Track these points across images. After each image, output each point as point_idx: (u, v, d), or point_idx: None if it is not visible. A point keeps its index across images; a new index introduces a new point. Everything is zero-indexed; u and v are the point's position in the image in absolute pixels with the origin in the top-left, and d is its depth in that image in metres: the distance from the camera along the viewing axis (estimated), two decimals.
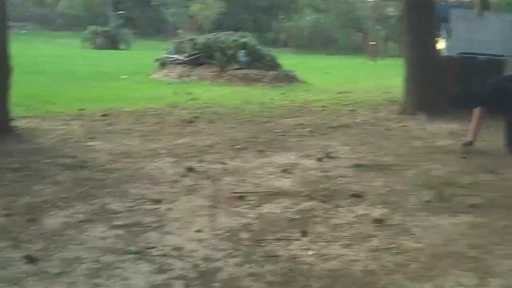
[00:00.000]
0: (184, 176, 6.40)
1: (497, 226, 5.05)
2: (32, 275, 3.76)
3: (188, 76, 17.16)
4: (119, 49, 33.88)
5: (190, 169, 6.62)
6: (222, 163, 7.03)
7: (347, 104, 12.64)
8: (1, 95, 8.36)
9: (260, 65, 18.00)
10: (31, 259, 3.98)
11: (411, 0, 11.57)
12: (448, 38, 19.82)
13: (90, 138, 8.38)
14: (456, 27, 14.59)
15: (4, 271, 3.81)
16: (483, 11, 19.42)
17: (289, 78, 17.35)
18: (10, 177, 6.14)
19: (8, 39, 8.49)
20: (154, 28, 49.46)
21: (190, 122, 9.85)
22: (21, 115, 9.54)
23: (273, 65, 18.42)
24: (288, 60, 22.71)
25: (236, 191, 5.87)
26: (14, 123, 8.72)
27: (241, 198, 5.63)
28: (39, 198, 5.43)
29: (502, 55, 11.61)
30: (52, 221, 4.83)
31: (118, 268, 3.92)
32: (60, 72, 17.39)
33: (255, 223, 4.94)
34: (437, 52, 12.61)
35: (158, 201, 5.44)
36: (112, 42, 34.43)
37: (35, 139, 8.23)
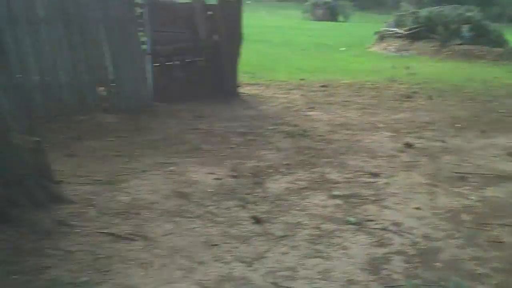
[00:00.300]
0: (402, 151, 6.33)
1: None
2: (258, 235, 3.99)
3: (407, 50, 16.71)
4: (337, 21, 34.02)
5: (409, 145, 6.53)
6: (442, 141, 6.83)
7: None
8: (232, 63, 8.86)
9: (484, 41, 16.97)
10: (257, 220, 4.22)
11: None
12: None
13: (310, 108, 8.59)
14: None
15: (233, 229, 4.09)
16: None
17: None
18: (237, 141, 6.54)
19: (242, 9, 8.91)
20: (374, 0, 48.95)
21: (408, 97, 9.63)
22: (247, 82, 10.03)
23: (500, 41, 17.28)
24: None
25: (457, 171, 5.68)
26: (241, 90, 9.22)
27: (462, 178, 5.45)
28: (263, 163, 5.71)
29: None
30: (276, 185, 5.07)
31: (338, 237, 4.02)
32: (282, 41, 17.92)
33: (477, 206, 4.76)
34: None
35: (376, 175, 5.45)
36: (331, 14, 34.64)
37: (259, 106, 8.65)
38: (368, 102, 9.15)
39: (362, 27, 24.49)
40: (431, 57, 15.66)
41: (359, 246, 3.88)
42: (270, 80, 10.78)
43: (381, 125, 7.57)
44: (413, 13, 19.16)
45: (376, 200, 4.79)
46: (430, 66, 13.81)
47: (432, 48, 16.56)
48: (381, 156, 6.10)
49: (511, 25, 35.26)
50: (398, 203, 4.73)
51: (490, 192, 5.13)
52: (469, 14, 18.11)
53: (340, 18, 35.12)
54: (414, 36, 17.66)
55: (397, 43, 17.41)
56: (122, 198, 4.59)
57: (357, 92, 9.98)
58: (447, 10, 18.63)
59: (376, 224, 4.26)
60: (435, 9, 19.13)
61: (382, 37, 18.52)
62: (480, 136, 7.17)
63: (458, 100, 9.54)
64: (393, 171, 5.60)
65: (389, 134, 7.10)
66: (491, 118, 8.23)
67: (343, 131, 7.14)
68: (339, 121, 7.70)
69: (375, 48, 17.55)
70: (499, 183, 5.38)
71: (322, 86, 10.35)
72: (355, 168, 5.64)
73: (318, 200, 4.74)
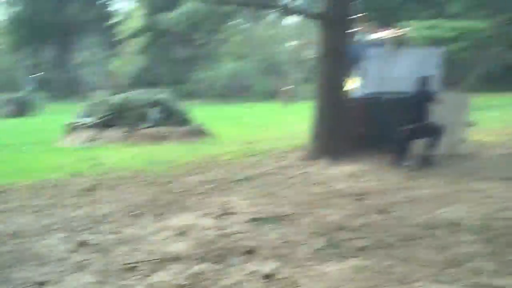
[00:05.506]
0: (74, 251, 6.23)
1: (381, 267, 5.20)
2: None
3: (97, 139, 16.80)
4: (29, 115, 32.83)
5: (82, 243, 6.46)
6: (117, 232, 6.89)
7: (254, 155, 12.68)
8: None
9: (172, 121, 17.93)
10: None
11: (327, 43, 11.77)
12: (363, 77, 20.39)
13: None
14: (371, 66, 14.95)
15: None
16: (397, 48, 20.16)
17: (200, 132, 17.35)
18: None
19: None
20: (71, 89, 48.79)
21: (90, 190, 9.58)
22: None
23: (185, 120, 18.40)
24: (203, 112, 22.85)
25: (128, 261, 5.77)
26: None
27: (132, 269, 5.54)
28: None
29: (408, 92, 11.99)
30: None
31: None
32: None
33: None
34: (347, 94, 12.79)
35: (42, 284, 5.27)
36: (22, 109, 33.38)
37: None
38: (46, 203, 8.77)
39: (55, 119, 24.12)
40: (121, 144, 15.98)
41: None
42: None
43: (56, 226, 7.33)
44: (104, 100, 19.38)
45: None
46: (118, 154, 14.04)
47: (123, 134, 16.95)
48: (50, 261, 5.91)
49: (202, 100, 38.09)
50: None
51: (157, 277, 5.29)
52: (158, 96, 18.96)
53: (33, 111, 34.16)
54: (105, 124, 17.86)
55: (87, 133, 17.41)
56: None
57: (35, 194, 9.43)
58: (137, 94, 19.28)
59: None
60: (126, 94, 19.66)
61: (73, 128, 18.30)
62: (155, 220, 7.39)
63: (139, 186, 9.79)
64: (61, 276, 5.47)
65: (63, 234, 6.90)
66: (167, 200, 8.56)
67: (13, 241, 6.69)
68: (10, 230, 7.12)
69: (64, 142, 17.27)
70: (166, 266, 5.58)
71: None
72: (20, 281, 5.38)
73: None
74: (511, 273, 4.93)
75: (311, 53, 33.50)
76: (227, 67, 42.58)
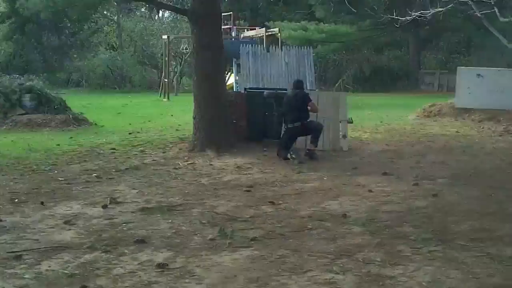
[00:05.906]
0: None
1: (274, 257, 5.32)
2: None
3: None
4: None
5: None
6: None
7: (137, 145, 12.48)
8: None
9: (47, 109, 17.18)
10: None
11: (200, 39, 11.74)
12: (238, 73, 20.71)
13: None
14: (246, 63, 15.17)
15: None
16: (271, 46, 20.67)
17: (79, 121, 16.78)
18: None
19: None
20: None
21: None
22: None
23: (61, 108, 17.67)
24: (80, 101, 22.15)
25: (13, 250, 5.52)
26: None
27: (18, 257, 5.31)
28: None
29: (285, 89, 12.29)
30: None
31: None
32: None
33: (32, 284, 4.69)
34: (226, 88, 12.97)
35: None
36: None
37: None
38: None
39: None
40: None
41: None
42: None
43: None
44: None
45: None
46: None
47: None
48: None
49: (78, 89, 36.85)
50: None
51: (45, 266, 5.10)
52: (30, 83, 18.14)
53: None
54: None
55: None
56: None
57: None
58: (7, 80, 18.35)
59: None
60: None
61: None
62: (39, 208, 7.13)
63: (18, 173, 9.34)
64: None
65: None
66: (51, 188, 8.28)
67: None
68: None
69: None
70: (55, 255, 5.40)
71: None
72: None
73: None
74: (398, 263, 5.19)
75: (186, 47, 33.42)
76: (101, 57, 41.28)
